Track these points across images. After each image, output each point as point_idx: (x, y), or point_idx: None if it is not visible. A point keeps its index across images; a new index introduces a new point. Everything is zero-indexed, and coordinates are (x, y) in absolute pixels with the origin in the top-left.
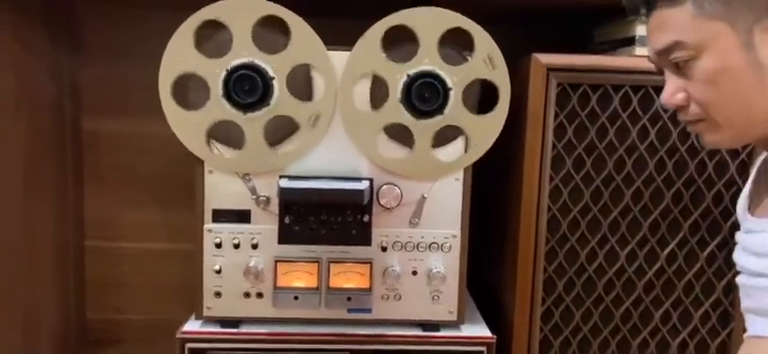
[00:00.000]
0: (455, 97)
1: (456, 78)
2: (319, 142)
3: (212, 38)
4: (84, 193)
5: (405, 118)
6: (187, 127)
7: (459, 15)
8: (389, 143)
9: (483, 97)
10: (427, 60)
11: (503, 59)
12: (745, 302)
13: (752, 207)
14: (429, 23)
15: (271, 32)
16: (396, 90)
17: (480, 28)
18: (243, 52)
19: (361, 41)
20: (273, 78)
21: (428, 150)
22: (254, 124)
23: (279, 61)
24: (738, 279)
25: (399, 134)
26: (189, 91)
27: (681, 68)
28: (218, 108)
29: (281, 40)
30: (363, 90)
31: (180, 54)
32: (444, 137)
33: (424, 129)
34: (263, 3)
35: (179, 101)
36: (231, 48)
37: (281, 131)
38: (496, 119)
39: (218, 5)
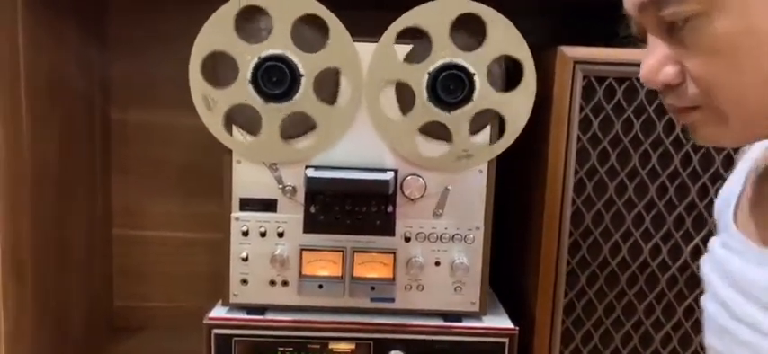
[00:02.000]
0: (480, 81)
1: (476, 62)
2: (336, 143)
3: (252, 22)
4: (111, 183)
5: (436, 114)
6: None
7: (465, 1)
8: (429, 142)
9: (508, 74)
10: (444, 53)
11: (517, 32)
12: (711, 340)
13: (739, 218)
14: (437, 16)
15: (310, 29)
16: (421, 90)
17: (489, 9)
18: (279, 43)
19: (375, 51)
20: (302, 75)
21: (467, 138)
22: (273, 115)
23: (311, 60)
24: (708, 307)
25: (436, 130)
26: (218, 70)
27: (675, 31)
28: (243, 91)
29: (318, 40)
30: (390, 96)
31: (217, 32)
32: (480, 122)
33: (458, 120)
34: (307, 2)
35: (206, 77)
36: (269, 36)
37: (298, 127)
38: (526, 92)
39: None
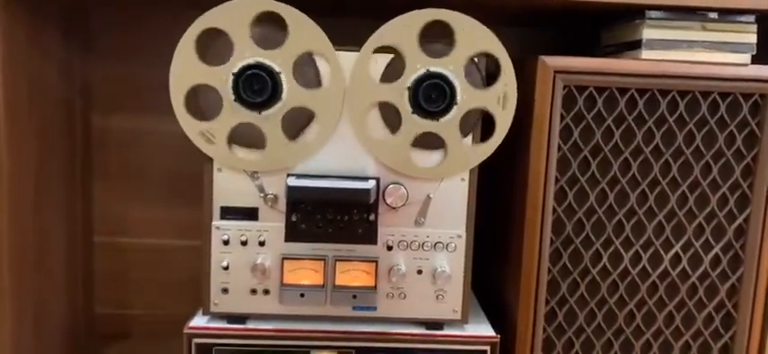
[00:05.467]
0: (460, 83)
1: (452, 66)
2: (333, 133)
3: (213, 45)
4: (92, 189)
5: (425, 125)
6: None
7: (429, 10)
8: (423, 153)
9: (487, 74)
10: (418, 65)
11: (514, 101)
12: None
13: None
14: (403, 30)
15: (268, 29)
16: (404, 106)
17: (452, 12)
18: (245, 54)
19: (352, 78)
20: (280, 73)
21: (461, 141)
22: (271, 121)
23: (281, 55)
24: None
25: (428, 141)
26: (201, 102)
27: None
28: (233, 113)
29: (279, 35)
30: (375, 118)
31: (185, 68)
32: (428, 141)
33: (412, 124)
34: (255, 1)
35: (195, 114)
36: (233, 52)
37: (298, 123)
38: (480, 151)
39: (212, 13)
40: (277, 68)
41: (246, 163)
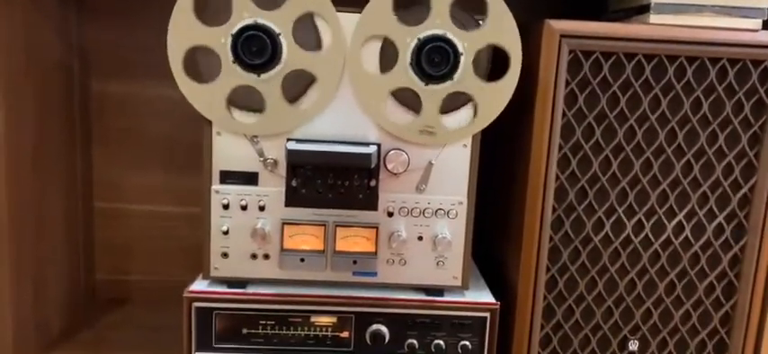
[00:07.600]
0: (465, 63)
1: (467, 44)
2: (335, 96)
3: (211, 5)
4: (92, 155)
5: (413, 82)
6: (206, 100)
7: None
8: (398, 108)
9: (494, 63)
10: (439, 22)
11: (514, 25)
12: None
13: None
14: None
15: None
16: (405, 53)
17: None
18: (244, 14)
19: (371, 2)
20: (279, 34)
21: (436, 116)
22: (270, 84)
23: (281, 16)
24: None
25: (408, 99)
26: (200, 64)
27: None
28: (232, 75)
29: None
30: (373, 52)
31: (183, 29)
32: (453, 103)
33: (432, 95)
34: None
35: (193, 76)
36: (231, 11)
37: (298, 86)
38: (506, 87)
39: None
40: (276, 30)
41: (245, 126)
